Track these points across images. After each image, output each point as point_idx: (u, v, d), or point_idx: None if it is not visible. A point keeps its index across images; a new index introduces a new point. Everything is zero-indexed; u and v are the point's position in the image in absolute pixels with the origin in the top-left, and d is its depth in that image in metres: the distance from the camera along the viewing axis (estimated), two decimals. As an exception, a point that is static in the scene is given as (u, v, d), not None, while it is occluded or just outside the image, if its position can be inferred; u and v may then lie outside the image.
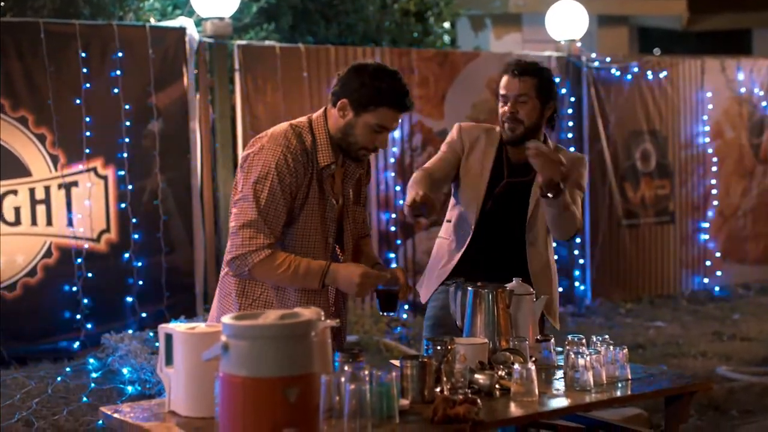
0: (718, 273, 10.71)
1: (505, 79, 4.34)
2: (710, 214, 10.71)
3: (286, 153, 3.58)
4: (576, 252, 9.77)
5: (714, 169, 10.73)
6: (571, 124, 9.73)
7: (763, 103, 10.99)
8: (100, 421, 5.81)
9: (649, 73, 10.21)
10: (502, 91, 4.35)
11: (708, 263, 10.67)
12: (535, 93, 4.30)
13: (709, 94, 10.63)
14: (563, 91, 9.66)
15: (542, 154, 4.04)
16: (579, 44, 9.84)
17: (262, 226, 3.55)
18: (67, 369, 6.84)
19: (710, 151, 10.70)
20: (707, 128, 10.67)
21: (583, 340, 3.60)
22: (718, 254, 10.75)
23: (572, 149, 9.63)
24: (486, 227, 4.35)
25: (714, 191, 10.71)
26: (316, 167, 3.64)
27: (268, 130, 3.70)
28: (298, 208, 3.63)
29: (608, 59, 10.16)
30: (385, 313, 3.81)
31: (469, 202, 4.40)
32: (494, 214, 4.36)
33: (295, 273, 3.57)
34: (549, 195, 4.09)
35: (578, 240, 9.78)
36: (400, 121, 3.77)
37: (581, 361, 3.45)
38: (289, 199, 3.59)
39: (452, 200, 4.52)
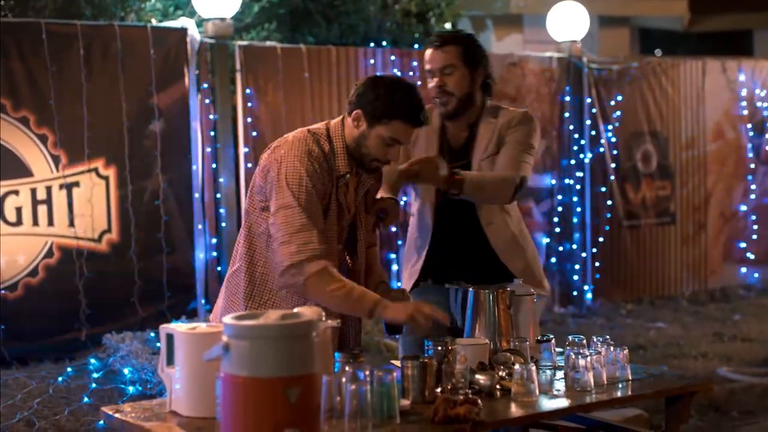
0: (719, 274, 10.73)
1: (428, 53, 4.20)
2: (711, 215, 10.71)
3: (311, 158, 3.56)
4: (576, 252, 9.77)
5: (715, 169, 10.73)
6: (572, 126, 9.73)
7: (764, 104, 10.99)
8: (101, 422, 5.82)
9: (649, 74, 10.21)
10: (427, 66, 4.21)
11: (708, 264, 10.68)
12: (461, 61, 4.16)
13: (710, 95, 10.63)
14: (566, 92, 9.67)
15: (412, 172, 3.95)
16: (580, 45, 9.85)
17: (313, 231, 3.49)
18: (69, 369, 6.85)
19: (711, 151, 10.71)
20: (708, 129, 10.67)
21: (584, 341, 3.60)
22: (717, 255, 10.77)
23: (574, 148, 9.72)
24: (443, 219, 4.27)
25: (715, 192, 10.72)
26: (335, 174, 3.64)
27: (287, 136, 3.67)
28: (323, 209, 3.62)
29: (609, 60, 10.17)
30: (392, 336, 3.79)
31: (423, 196, 4.33)
32: (446, 204, 4.25)
33: (348, 295, 3.48)
34: (454, 193, 4.00)
35: (578, 239, 9.80)
36: (414, 136, 3.75)
37: (582, 362, 3.46)
38: (318, 206, 3.56)
39: (412, 194, 4.45)
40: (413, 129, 3.63)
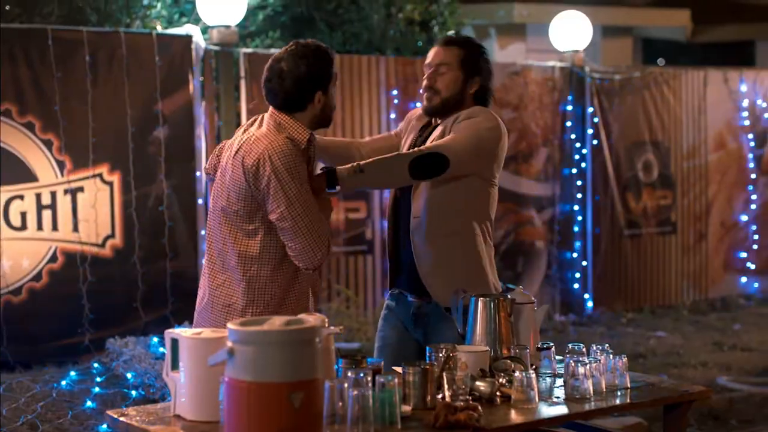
0: (720, 283, 10.76)
1: (432, 50, 4.19)
2: (712, 224, 10.75)
3: (292, 146, 3.69)
4: (577, 260, 9.80)
5: (716, 179, 10.77)
6: (574, 136, 9.77)
7: (766, 115, 11.03)
8: (104, 425, 5.87)
9: (651, 83, 10.25)
10: (426, 61, 4.18)
11: (709, 274, 10.71)
12: (458, 64, 4.11)
13: (711, 106, 10.67)
14: (568, 101, 9.71)
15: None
16: (582, 55, 9.89)
17: (320, 216, 3.72)
18: (72, 373, 6.88)
19: (712, 161, 10.74)
20: (709, 139, 10.71)
21: (583, 349, 3.64)
22: (718, 265, 10.80)
23: (576, 157, 9.76)
24: (392, 224, 4.24)
25: (716, 202, 10.75)
26: (303, 147, 3.75)
27: (255, 134, 3.73)
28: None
29: (611, 70, 10.21)
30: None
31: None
32: (395, 207, 4.23)
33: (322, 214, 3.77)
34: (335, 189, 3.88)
35: (579, 247, 9.83)
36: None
37: (581, 370, 3.49)
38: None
39: None
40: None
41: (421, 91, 4.20)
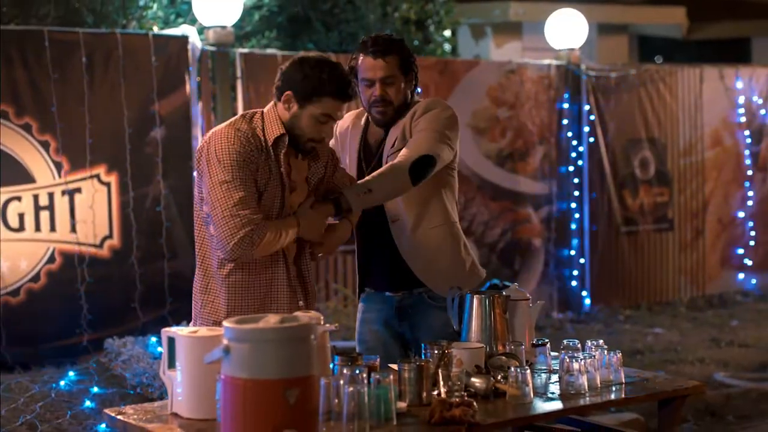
0: (717, 280, 10.78)
1: (365, 60, 4.14)
2: (709, 221, 10.77)
3: (239, 134, 3.65)
4: (575, 258, 9.83)
5: (713, 176, 10.79)
6: (570, 133, 9.79)
7: (762, 111, 11.05)
8: (103, 425, 5.89)
9: (647, 81, 10.27)
10: (365, 75, 4.14)
11: (706, 270, 10.74)
12: (399, 71, 4.14)
13: (707, 102, 10.70)
14: (564, 99, 9.73)
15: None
16: (578, 53, 9.91)
17: (251, 202, 3.60)
18: (71, 373, 6.90)
19: (709, 158, 10.77)
20: (706, 136, 10.73)
21: (578, 345, 3.67)
22: (715, 261, 10.83)
23: (573, 155, 9.78)
24: (362, 222, 4.19)
25: (713, 199, 10.78)
26: (268, 144, 3.71)
27: (212, 131, 3.76)
28: (262, 187, 3.69)
29: (607, 67, 10.23)
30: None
31: None
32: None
33: (285, 235, 3.67)
34: (346, 214, 3.94)
35: (576, 245, 9.86)
36: (345, 110, 3.87)
37: (575, 365, 3.52)
38: (252, 179, 3.65)
39: None
40: (343, 103, 3.73)
41: (367, 104, 4.18)
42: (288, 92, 3.69)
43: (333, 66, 3.70)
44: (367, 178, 4.00)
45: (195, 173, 3.78)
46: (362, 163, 4.25)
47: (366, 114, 4.28)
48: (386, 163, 4.10)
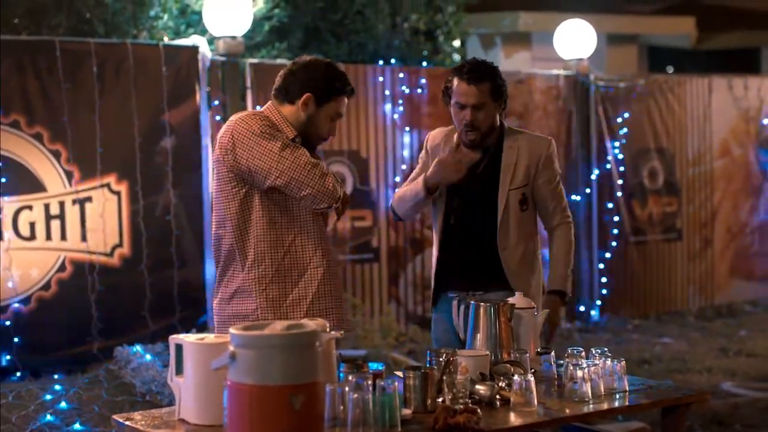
0: (726, 290, 10.78)
1: (460, 85, 4.39)
2: (717, 231, 10.77)
3: (259, 121, 3.80)
4: (584, 267, 9.83)
5: (721, 186, 10.79)
6: (579, 143, 9.81)
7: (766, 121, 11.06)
8: (112, 432, 5.93)
9: (656, 91, 10.29)
10: (458, 99, 4.40)
11: (715, 280, 10.74)
12: (490, 97, 4.38)
13: (716, 113, 10.71)
14: (573, 109, 9.76)
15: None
16: (587, 63, 9.93)
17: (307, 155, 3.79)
18: (80, 381, 6.94)
19: (717, 168, 10.78)
20: (715, 146, 10.75)
21: (582, 353, 3.69)
22: (724, 271, 10.83)
23: (582, 165, 9.80)
24: (454, 234, 4.51)
25: (721, 208, 10.78)
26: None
27: (230, 120, 3.87)
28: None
29: (616, 78, 10.25)
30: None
31: (437, 210, 4.57)
32: (460, 220, 4.50)
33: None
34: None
35: (585, 254, 9.87)
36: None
37: (579, 373, 3.54)
38: None
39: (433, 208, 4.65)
40: (349, 99, 3.95)
41: (459, 126, 4.45)
42: (308, 94, 3.83)
43: (336, 66, 3.94)
44: (562, 267, 4.54)
45: (215, 172, 3.86)
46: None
47: (457, 132, 4.51)
48: (506, 195, 4.43)
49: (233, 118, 3.84)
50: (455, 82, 4.39)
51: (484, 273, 4.44)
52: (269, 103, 3.93)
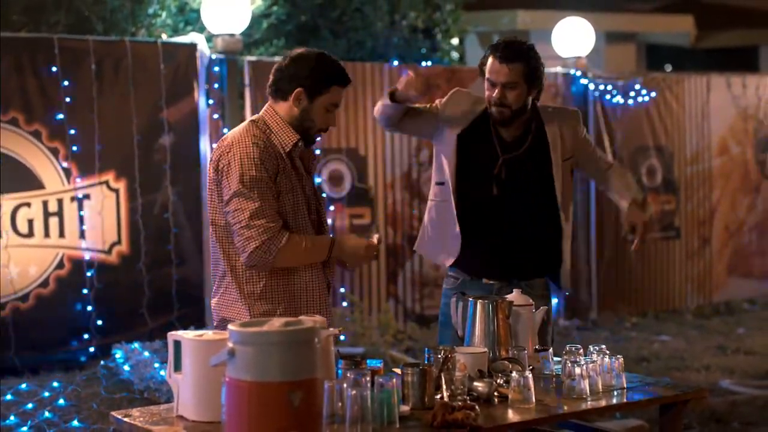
0: (724, 288, 10.79)
1: (493, 63, 4.36)
2: (715, 229, 10.77)
3: (256, 142, 3.76)
4: (582, 265, 9.84)
5: (719, 184, 10.80)
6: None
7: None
8: (111, 430, 5.92)
9: (654, 89, 10.29)
10: (489, 76, 4.37)
11: (713, 278, 10.74)
12: (523, 79, 4.34)
13: (714, 111, 10.71)
14: (570, 107, 9.75)
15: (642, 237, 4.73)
16: (585, 61, 9.93)
17: (269, 212, 3.69)
18: (79, 378, 6.94)
19: (716, 166, 10.78)
20: (713, 144, 10.75)
21: (580, 350, 3.69)
22: (722, 269, 10.84)
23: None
24: (498, 209, 4.49)
25: (719, 207, 10.79)
26: (284, 151, 3.82)
27: (232, 131, 3.87)
28: (283, 191, 3.78)
29: (614, 76, 10.26)
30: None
31: (473, 184, 4.48)
32: (503, 195, 4.47)
33: (313, 248, 3.78)
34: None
35: (583, 252, 9.87)
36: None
37: (577, 370, 3.55)
38: (273, 184, 3.74)
39: (436, 163, 4.57)
40: (345, 88, 3.90)
41: (488, 101, 4.40)
42: (298, 89, 3.82)
43: (327, 56, 3.89)
44: (630, 180, 4.71)
45: (208, 178, 3.85)
46: (497, 149, 4.44)
47: (484, 106, 4.46)
48: (561, 167, 4.48)
49: (236, 139, 3.78)
50: (489, 59, 4.38)
51: (540, 253, 4.55)
52: (267, 104, 3.92)
